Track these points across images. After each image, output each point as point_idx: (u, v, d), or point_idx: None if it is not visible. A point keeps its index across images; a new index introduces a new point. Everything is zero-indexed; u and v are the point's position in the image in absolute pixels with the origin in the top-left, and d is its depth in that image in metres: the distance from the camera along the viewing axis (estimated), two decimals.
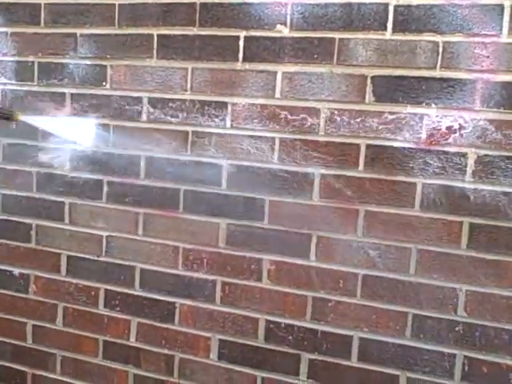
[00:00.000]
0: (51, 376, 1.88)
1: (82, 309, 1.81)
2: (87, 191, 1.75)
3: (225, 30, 1.56)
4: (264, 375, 1.63)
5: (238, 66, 1.56)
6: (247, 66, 1.55)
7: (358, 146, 1.48)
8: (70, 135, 1.63)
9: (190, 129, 1.63)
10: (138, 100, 1.67)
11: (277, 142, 1.55)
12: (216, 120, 1.60)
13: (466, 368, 1.45)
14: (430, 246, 1.45)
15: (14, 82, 1.79)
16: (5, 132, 1.82)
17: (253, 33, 1.54)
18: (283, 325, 1.60)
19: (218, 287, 1.65)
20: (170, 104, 1.64)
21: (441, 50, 1.39)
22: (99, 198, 1.74)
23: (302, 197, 1.54)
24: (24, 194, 1.83)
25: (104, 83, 1.70)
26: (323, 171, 1.51)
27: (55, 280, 1.83)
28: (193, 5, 1.58)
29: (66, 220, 1.80)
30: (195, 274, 1.67)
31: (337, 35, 1.46)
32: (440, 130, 1.41)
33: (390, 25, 1.42)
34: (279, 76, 1.53)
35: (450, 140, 1.41)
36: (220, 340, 1.67)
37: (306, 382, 1.59)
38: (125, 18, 1.65)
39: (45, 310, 1.86)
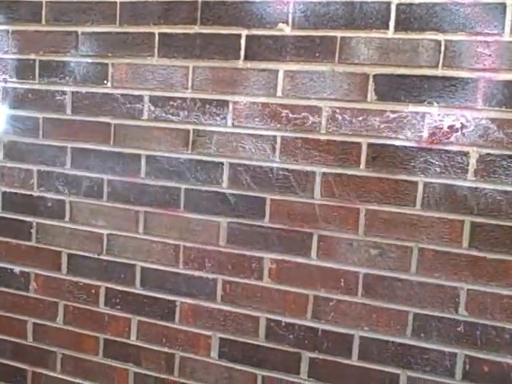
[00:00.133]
0: (51, 374, 1.88)
1: (83, 307, 1.81)
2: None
3: (226, 28, 1.56)
4: (264, 374, 1.63)
5: (240, 64, 1.56)
6: (249, 64, 1.55)
7: (359, 144, 1.48)
8: None
9: (191, 127, 1.63)
10: (139, 98, 1.67)
11: (278, 140, 1.55)
12: (217, 118, 1.60)
13: (467, 367, 1.45)
14: (432, 244, 1.45)
15: (15, 80, 1.79)
16: None
17: (254, 31, 1.53)
18: (284, 323, 1.60)
19: (219, 286, 1.65)
20: (171, 102, 1.64)
21: (443, 48, 1.39)
22: (100, 197, 1.74)
23: (303, 195, 1.54)
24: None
25: (105, 81, 1.70)
26: (324, 170, 1.51)
27: (56, 278, 1.83)
28: (194, 3, 1.58)
29: (67, 218, 1.79)
30: (196, 273, 1.67)
31: (339, 34, 1.46)
32: (442, 128, 1.41)
33: (392, 23, 1.41)
34: (281, 74, 1.52)
35: (452, 139, 1.40)
36: (220, 338, 1.67)
37: (307, 380, 1.59)
38: (126, 17, 1.65)
39: (45, 308, 1.86)
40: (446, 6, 1.37)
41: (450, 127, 1.40)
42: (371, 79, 1.45)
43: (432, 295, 1.46)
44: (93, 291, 1.79)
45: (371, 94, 1.45)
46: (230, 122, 1.59)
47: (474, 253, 1.42)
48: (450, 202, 1.42)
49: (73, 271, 1.81)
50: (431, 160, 1.42)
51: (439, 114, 1.41)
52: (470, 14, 1.35)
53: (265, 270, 1.60)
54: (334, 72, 1.48)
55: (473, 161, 1.39)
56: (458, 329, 1.45)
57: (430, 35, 1.39)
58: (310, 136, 1.52)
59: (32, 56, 1.77)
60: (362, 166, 1.48)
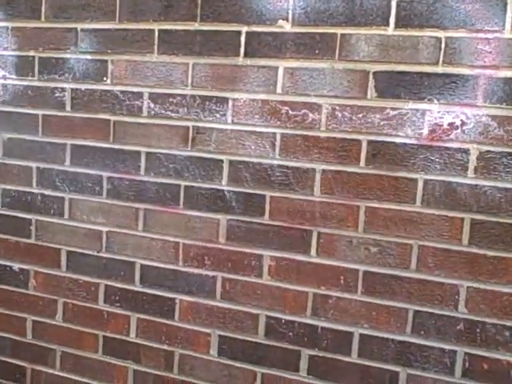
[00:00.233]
0: (51, 371, 1.88)
1: (82, 304, 1.81)
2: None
3: (226, 25, 1.55)
4: (264, 371, 1.63)
5: (240, 61, 1.55)
6: (248, 61, 1.55)
7: (359, 141, 1.48)
8: None
9: (190, 124, 1.62)
10: (139, 95, 1.66)
11: (278, 137, 1.54)
12: (217, 115, 1.59)
13: (467, 364, 1.45)
14: (431, 242, 1.45)
15: (14, 76, 1.79)
16: None
17: (254, 28, 1.53)
18: (283, 321, 1.60)
19: (219, 283, 1.65)
20: (171, 99, 1.63)
21: (443, 45, 1.38)
22: (100, 194, 1.74)
23: (302, 192, 1.54)
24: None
25: (105, 78, 1.69)
26: (324, 167, 1.51)
27: (55, 275, 1.83)
28: (194, 0, 1.57)
29: (66, 215, 1.79)
30: (195, 270, 1.67)
31: (339, 30, 1.46)
32: (442, 125, 1.41)
33: (392, 20, 1.41)
34: (281, 71, 1.52)
35: (452, 136, 1.40)
36: (220, 336, 1.67)
37: (306, 378, 1.59)
38: (126, 13, 1.65)
39: (45, 305, 1.86)
40: (446, 3, 1.37)
41: (450, 124, 1.40)
42: (371, 76, 1.45)
43: (432, 293, 1.46)
44: (92, 288, 1.79)
45: (371, 91, 1.45)
46: (229, 119, 1.58)
47: (474, 250, 1.42)
48: (450, 199, 1.42)
49: (72, 268, 1.81)
50: (431, 157, 1.42)
51: (439, 111, 1.40)
52: (471, 10, 1.35)
53: (264, 267, 1.60)
54: (334, 69, 1.47)
55: (473, 158, 1.39)
56: (458, 326, 1.45)
57: (430, 32, 1.39)
58: (310, 133, 1.51)
59: (31, 53, 1.76)
60: (362, 163, 1.48)
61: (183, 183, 1.65)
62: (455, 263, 1.43)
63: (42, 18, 1.74)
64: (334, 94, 1.48)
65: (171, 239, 1.68)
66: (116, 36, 1.67)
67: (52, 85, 1.75)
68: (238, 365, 1.66)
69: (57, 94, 1.75)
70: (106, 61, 1.69)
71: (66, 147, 1.76)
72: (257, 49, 1.54)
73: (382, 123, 1.45)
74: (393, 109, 1.44)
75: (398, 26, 1.41)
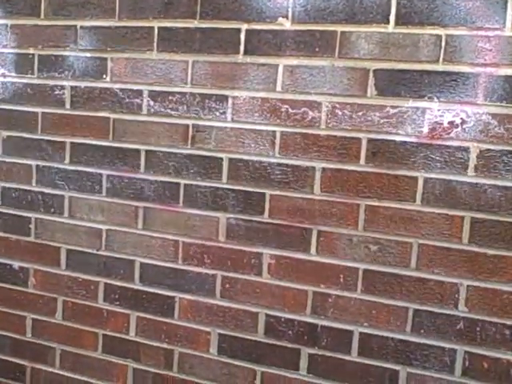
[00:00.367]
0: (50, 370, 1.88)
1: (82, 302, 1.81)
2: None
3: (226, 22, 1.55)
4: (264, 370, 1.63)
5: (239, 59, 1.55)
6: (248, 59, 1.54)
7: (359, 140, 1.47)
8: None
9: (190, 122, 1.62)
10: (139, 93, 1.66)
11: (278, 135, 1.54)
12: (216, 113, 1.59)
13: (467, 363, 1.45)
14: (431, 240, 1.44)
15: (13, 74, 1.78)
16: None
17: (254, 26, 1.53)
18: (283, 319, 1.59)
19: (218, 281, 1.65)
20: (171, 97, 1.63)
21: (443, 43, 1.38)
22: (99, 192, 1.74)
23: (302, 191, 1.53)
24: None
25: (104, 76, 1.69)
26: (324, 165, 1.51)
27: (55, 274, 1.83)
28: None
29: (66, 213, 1.79)
30: (195, 269, 1.66)
31: (339, 28, 1.45)
32: (442, 124, 1.40)
33: (392, 18, 1.41)
34: (280, 69, 1.52)
35: (452, 134, 1.40)
36: (220, 334, 1.66)
37: (306, 376, 1.59)
38: (125, 11, 1.64)
39: (44, 303, 1.85)
40: (446, 1, 1.36)
41: (451, 122, 1.40)
42: (371, 74, 1.44)
43: (432, 291, 1.46)
44: (92, 287, 1.79)
45: (371, 89, 1.45)
46: (229, 117, 1.58)
47: (474, 249, 1.41)
48: (450, 197, 1.42)
49: (72, 267, 1.81)
50: (431, 155, 1.42)
51: (439, 109, 1.40)
52: (471, 8, 1.35)
53: (264, 265, 1.59)
54: (334, 67, 1.47)
55: (473, 156, 1.39)
56: (458, 325, 1.45)
57: (430, 30, 1.38)
58: (310, 131, 1.51)
59: (31, 50, 1.76)
60: (362, 161, 1.47)
61: (183, 181, 1.65)
62: (455, 262, 1.43)
63: (42, 16, 1.74)
64: (333, 92, 1.48)
65: (171, 237, 1.68)
66: (116, 33, 1.66)
67: (51, 82, 1.75)
68: (237, 363, 1.65)
69: (56, 92, 1.75)
70: (106, 58, 1.68)
71: (65, 145, 1.76)
72: (257, 46, 1.53)
73: (382, 121, 1.45)
74: (393, 107, 1.43)
75: (398, 23, 1.41)
